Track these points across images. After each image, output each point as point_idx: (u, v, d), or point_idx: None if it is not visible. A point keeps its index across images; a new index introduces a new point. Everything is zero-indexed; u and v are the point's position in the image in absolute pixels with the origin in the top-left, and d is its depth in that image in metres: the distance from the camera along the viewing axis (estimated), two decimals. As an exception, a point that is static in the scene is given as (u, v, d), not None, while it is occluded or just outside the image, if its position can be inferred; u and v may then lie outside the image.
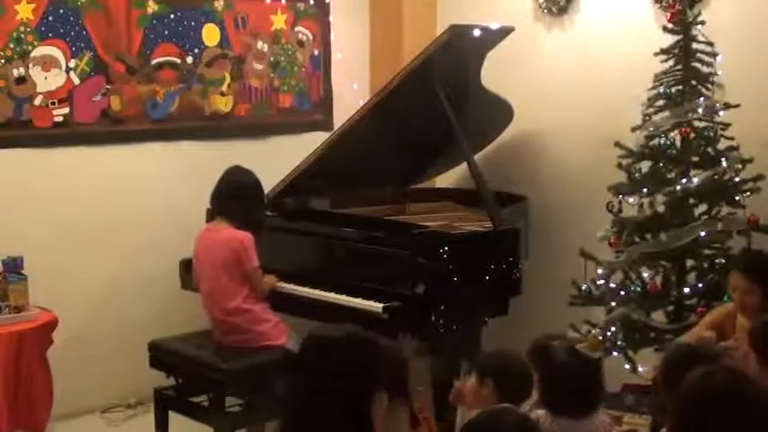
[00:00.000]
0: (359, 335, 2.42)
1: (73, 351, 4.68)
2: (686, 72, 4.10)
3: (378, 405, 2.37)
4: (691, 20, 4.08)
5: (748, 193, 4.07)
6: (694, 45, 4.10)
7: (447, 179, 5.52)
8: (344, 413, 2.32)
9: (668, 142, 4.15)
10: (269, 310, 4.29)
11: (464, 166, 4.80)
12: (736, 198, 4.07)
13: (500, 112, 4.99)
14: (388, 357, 2.46)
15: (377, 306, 4.03)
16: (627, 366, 4.26)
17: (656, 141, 4.16)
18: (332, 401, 2.32)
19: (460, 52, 4.57)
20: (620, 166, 4.24)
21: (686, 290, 4.09)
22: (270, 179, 4.77)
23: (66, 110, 4.78)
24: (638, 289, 4.16)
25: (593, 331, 3.49)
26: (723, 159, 4.07)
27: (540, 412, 2.97)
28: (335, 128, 5.20)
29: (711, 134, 4.13)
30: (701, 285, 4.07)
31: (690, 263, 4.14)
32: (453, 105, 4.45)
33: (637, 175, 4.19)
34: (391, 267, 4.16)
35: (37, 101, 4.70)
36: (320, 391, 2.34)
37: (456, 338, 4.10)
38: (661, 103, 4.14)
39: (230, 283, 4.20)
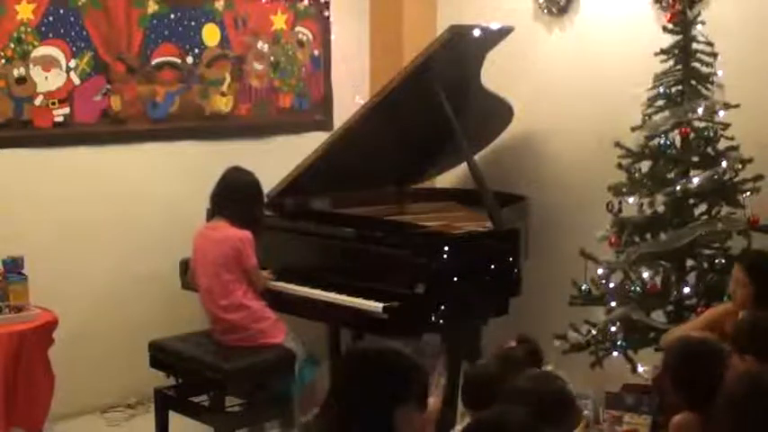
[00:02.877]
0: (399, 350, 2.47)
1: (73, 351, 4.67)
2: (686, 72, 4.11)
3: (409, 420, 2.38)
4: (691, 20, 4.08)
5: (748, 193, 4.07)
6: (694, 45, 4.10)
7: (447, 179, 5.51)
8: (372, 419, 2.34)
9: (668, 142, 4.16)
10: (267, 309, 4.30)
11: (464, 166, 4.80)
12: (737, 198, 4.07)
13: (500, 112, 4.99)
14: (424, 377, 2.48)
15: (377, 306, 4.03)
16: (627, 366, 4.27)
17: (656, 141, 4.16)
18: (364, 405, 2.35)
19: (460, 52, 4.57)
20: (620, 166, 4.24)
21: (686, 290, 4.09)
22: (270, 179, 4.77)
23: (66, 110, 4.78)
24: (638, 289, 4.17)
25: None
26: (723, 159, 4.07)
27: None
28: (335, 128, 5.20)
29: (711, 134, 4.14)
30: (700, 285, 4.08)
31: (690, 263, 4.15)
32: (453, 105, 4.45)
33: (637, 175, 4.20)
34: (391, 267, 4.16)
35: (37, 101, 4.70)
36: (355, 394, 2.37)
37: (456, 339, 4.10)
38: (661, 103, 4.15)
39: (229, 279, 4.22)
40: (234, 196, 4.34)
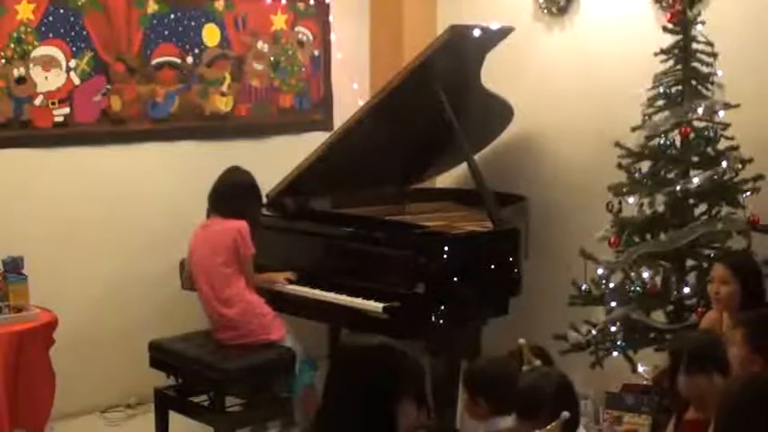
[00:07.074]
0: (389, 345, 2.47)
1: (73, 351, 4.67)
2: (686, 72, 4.10)
3: (404, 415, 2.39)
4: (691, 20, 4.08)
5: (748, 193, 4.07)
6: (694, 45, 4.10)
7: (447, 179, 5.52)
8: (368, 418, 2.34)
9: (668, 142, 4.15)
10: (265, 305, 4.30)
11: (464, 166, 4.80)
12: (737, 198, 4.07)
13: (500, 112, 4.99)
14: (416, 369, 2.48)
15: (377, 306, 4.03)
16: (627, 366, 4.27)
17: (655, 141, 4.16)
18: (358, 406, 2.35)
19: (460, 52, 4.57)
20: (620, 166, 4.24)
21: (686, 290, 4.09)
22: (270, 179, 4.77)
23: (66, 110, 4.78)
24: (638, 289, 4.16)
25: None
26: (723, 159, 4.07)
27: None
28: (335, 128, 5.20)
29: (711, 134, 4.13)
30: (700, 285, 4.07)
31: (690, 263, 4.14)
32: (453, 105, 4.45)
33: (637, 175, 4.19)
34: (391, 267, 4.16)
35: (37, 101, 4.70)
36: (348, 395, 2.38)
37: (456, 338, 4.10)
38: (661, 103, 4.14)
39: (229, 272, 4.24)
40: (230, 195, 4.35)
